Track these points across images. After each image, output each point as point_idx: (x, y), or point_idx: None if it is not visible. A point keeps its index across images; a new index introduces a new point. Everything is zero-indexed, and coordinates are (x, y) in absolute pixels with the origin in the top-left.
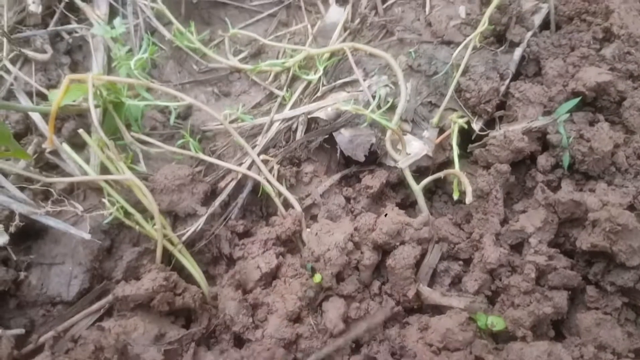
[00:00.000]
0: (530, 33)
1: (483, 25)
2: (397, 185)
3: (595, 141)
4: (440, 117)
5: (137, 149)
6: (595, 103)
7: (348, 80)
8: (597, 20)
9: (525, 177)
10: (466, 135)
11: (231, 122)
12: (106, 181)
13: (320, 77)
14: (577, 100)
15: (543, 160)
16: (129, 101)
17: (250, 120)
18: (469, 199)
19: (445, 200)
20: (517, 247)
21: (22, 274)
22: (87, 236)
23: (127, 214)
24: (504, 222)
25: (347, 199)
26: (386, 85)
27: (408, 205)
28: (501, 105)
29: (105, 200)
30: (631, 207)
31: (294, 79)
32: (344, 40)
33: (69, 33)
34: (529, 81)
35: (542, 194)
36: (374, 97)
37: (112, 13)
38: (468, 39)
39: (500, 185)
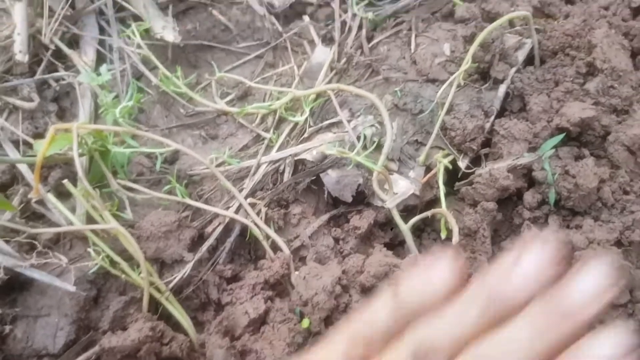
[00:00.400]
0: (514, 69)
1: (466, 64)
2: (386, 224)
3: (580, 177)
4: (427, 155)
5: (123, 196)
6: (580, 138)
7: (334, 121)
8: (581, 55)
9: (512, 214)
10: (454, 172)
11: (218, 165)
12: (92, 230)
13: (306, 119)
14: (561, 136)
15: (529, 197)
16: (114, 148)
17: (236, 163)
18: (455, 239)
19: (434, 238)
20: None
21: (7, 328)
22: (72, 288)
23: (112, 262)
24: (492, 260)
25: (336, 240)
26: (372, 125)
27: (397, 244)
28: (487, 143)
29: (90, 250)
30: (618, 243)
31: (281, 120)
32: (330, 81)
33: (56, 80)
34: (514, 117)
35: (528, 232)
36: (359, 137)
37: (100, 59)
38: (452, 77)
39: (487, 223)
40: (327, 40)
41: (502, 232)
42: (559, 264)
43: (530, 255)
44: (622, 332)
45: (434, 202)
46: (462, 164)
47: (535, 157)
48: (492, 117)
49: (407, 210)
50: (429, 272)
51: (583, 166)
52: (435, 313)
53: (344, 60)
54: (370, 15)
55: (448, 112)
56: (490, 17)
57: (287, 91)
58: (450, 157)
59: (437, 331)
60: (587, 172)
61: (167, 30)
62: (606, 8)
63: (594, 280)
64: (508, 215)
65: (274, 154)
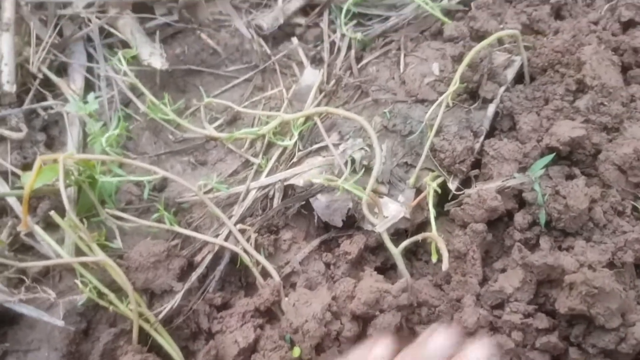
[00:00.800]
0: (503, 88)
1: (455, 85)
2: (377, 248)
3: (570, 199)
4: (417, 177)
5: (112, 225)
6: (570, 157)
7: (323, 144)
8: (570, 72)
9: (503, 235)
10: (445, 194)
11: (207, 192)
12: (81, 262)
13: (296, 143)
14: (550, 156)
15: (520, 218)
16: (102, 178)
17: (225, 190)
18: (445, 265)
19: (426, 260)
20: (499, 307)
21: None
22: (60, 323)
23: (101, 294)
24: (484, 281)
25: (327, 265)
26: (361, 149)
27: (389, 267)
28: (477, 163)
29: (78, 282)
30: (611, 264)
31: (270, 145)
32: (319, 103)
33: (45, 109)
34: (504, 136)
35: (518, 254)
36: (349, 161)
37: (89, 86)
38: (441, 98)
39: (477, 245)
40: (317, 61)
41: (493, 254)
42: None
43: None
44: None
45: (425, 225)
46: (452, 185)
47: (525, 178)
48: (482, 138)
49: (398, 234)
50: None
51: (573, 187)
52: None
53: (333, 82)
54: (359, 35)
55: (437, 133)
56: (478, 35)
57: (275, 115)
58: (441, 179)
59: None
60: (577, 193)
61: (154, 57)
62: (596, 23)
63: None
64: (499, 237)
65: (263, 180)
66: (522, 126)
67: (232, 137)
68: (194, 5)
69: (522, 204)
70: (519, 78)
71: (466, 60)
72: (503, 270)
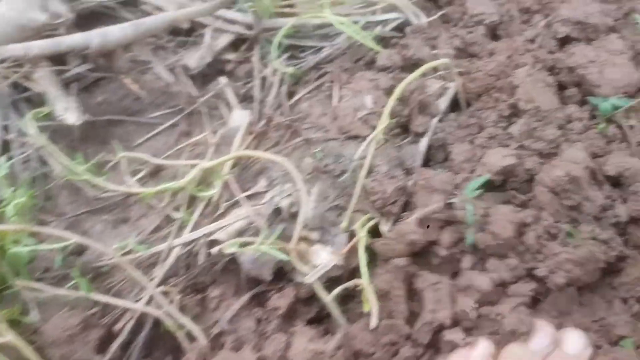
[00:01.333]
0: (435, 119)
1: (383, 123)
2: (310, 298)
3: (496, 226)
4: (350, 220)
5: (27, 297)
6: (504, 185)
7: (250, 193)
8: (503, 97)
9: (429, 255)
10: (380, 234)
11: (127, 253)
12: None
13: (221, 192)
14: (483, 179)
15: (446, 235)
16: (13, 249)
17: (145, 250)
18: (373, 322)
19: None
20: (435, 341)
21: None
22: None
23: None
24: (412, 317)
25: (258, 321)
26: (290, 195)
27: (324, 316)
28: (410, 199)
29: None
30: (541, 286)
31: (195, 196)
32: (248, 146)
33: None
34: (438, 167)
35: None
36: (276, 209)
37: (6, 145)
38: (370, 137)
39: (401, 280)
40: (248, 98)
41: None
42: None
43: None
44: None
45: (359, 269)
46: (385, 227)
47: (457, 198)
48: (414, 174)
49: (332, 280)
50: None
51: (501, 215)
52: None
53: (263, 122)
54: (290, 70)
55: (368, 174)
56: (411, 63)
57: (195, 164)
58: (374, 221)
59: None
60: (503, 221)
61: (70, 112)
62: (532, 41)
63: None
64: (426, 258)
65: (186, 236)
66: (455, 157)
67: (150, 193)
68: (110, 53)
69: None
70: (455, 104)
71: (395, 94)
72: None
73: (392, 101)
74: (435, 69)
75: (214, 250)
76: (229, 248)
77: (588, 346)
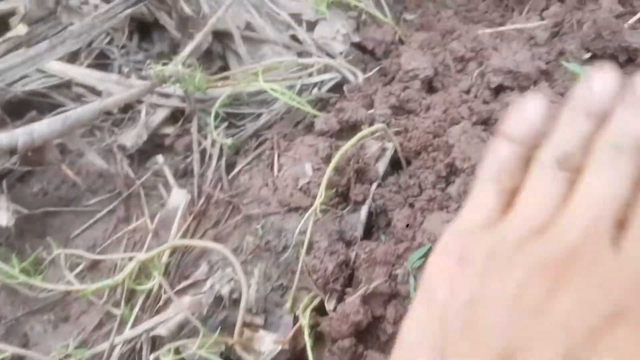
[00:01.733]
0: (375, 185)
1: (320, 197)
2: None
3: None
4: (295, 299)
5: None
6: None
7: (190, 282)
8: (440, 156)
9: (377, 331)
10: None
11: (67, 356)
12: None
13: (161, 282)
14: (424, 249)
15: (392, 310)
16: None
17: (83, 354)
18: None
19: None
20: None
21: None
22: None
23: None
24: None
25: None
26: (231, 280)
27: None
28: (353, 272)
29: None
30: None
31: (134, 289)
32: (187, 228)
33: None
34: (382, 234)
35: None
36: (217, 297)
37: None
38: (310, 210)
39: None
40: (189, 173)
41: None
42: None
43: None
44: None
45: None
46: (329, 305)
47: (399, 270)
48: (356, 245)
49: None
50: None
51: None
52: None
53: (202, 201)
54: (229, 141)
55: (308, 251)
56: (349, 126)
57: (133, 256)
58: (319, 299)
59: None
60: None
61: (0, 213)
62: (467, 92)
63: None
64: (374, 334)
65: (127, 332)
66: (397, 223)
67: (87, 291)
68: (40, 148)
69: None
70: (396, 163)
71: (332, 164)
72: None
73: (329, 172)
74: (374, 131)
75: (163, 332)
76: (165, 356)
77: None
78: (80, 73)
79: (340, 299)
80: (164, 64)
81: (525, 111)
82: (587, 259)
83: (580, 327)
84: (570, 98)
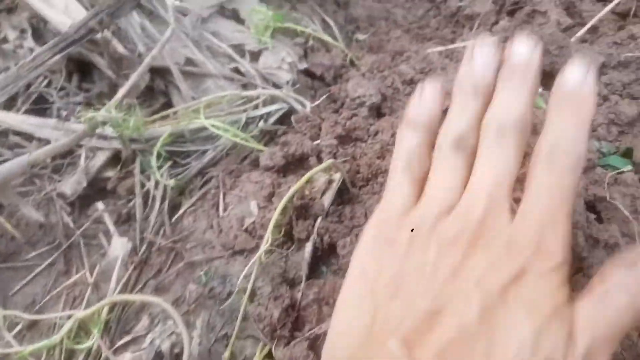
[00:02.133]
0: (319, 220)
1: (267, 243)
2: None
3: None
4: (239, 350)
5: None
6: None
7: (131, 337)
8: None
9: None
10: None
11: None
12: None
13: (100, 340)
14: None
15: None
16: None
17: None
18: None
19: None
20: None
21: None
22: None
23: None
24: None
25: None
26: (172, 334)
27: None
28: (300, 313)
29: None
30: None
31: (73, 350)
32: (128, 278)
33: None
34: (327, 269)
35: None
36: (157, 353)
37: None
38: (255, 257)
39: None
40: (131, 218)
41: None
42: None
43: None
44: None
45: None
46: (279, 353)
47: None
48: (302, 285)
49: None
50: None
51: None
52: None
53: (143, 249)
54: (172, 182)
55: (252, 298)
56: (295, 159)
57: (71, 314)
58: (267, 348)
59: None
60: None
61: None
62: None
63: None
64: None
65: None
66: (342, 253)
67: (25, 353)
68: None
69: None
70: (344, 192)
71: (280, 206)
72: None
73: (276, 214)
74: (321, 161)
75: None
76: None
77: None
78: (17, 120)
79: (289, 344)
80: (97, 109)
81: (423, 98)
82: (490, 230)
83: (492, 284)
84: (457, 75)
